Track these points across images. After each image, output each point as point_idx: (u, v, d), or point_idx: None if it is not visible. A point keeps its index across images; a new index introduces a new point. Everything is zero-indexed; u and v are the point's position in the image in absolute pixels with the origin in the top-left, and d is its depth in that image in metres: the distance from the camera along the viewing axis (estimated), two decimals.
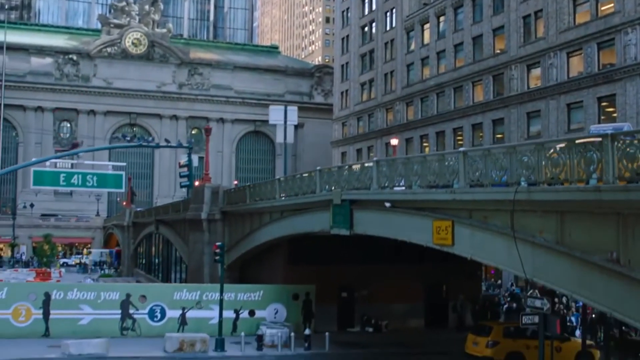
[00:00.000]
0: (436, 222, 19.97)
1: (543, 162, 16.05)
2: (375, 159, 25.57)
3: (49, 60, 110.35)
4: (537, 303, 18.90)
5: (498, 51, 58.09)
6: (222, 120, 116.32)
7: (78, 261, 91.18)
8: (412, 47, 72.50)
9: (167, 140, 35.47)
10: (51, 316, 32.84)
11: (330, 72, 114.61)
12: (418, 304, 40.09)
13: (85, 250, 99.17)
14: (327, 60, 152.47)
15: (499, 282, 55.07)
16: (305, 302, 36.64)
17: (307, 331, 32.30)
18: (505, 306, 41.34)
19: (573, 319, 36.06)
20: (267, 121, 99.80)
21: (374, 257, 37.24)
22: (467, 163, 18.80)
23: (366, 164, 25.51)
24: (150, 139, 67.88)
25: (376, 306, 38.54)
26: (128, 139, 51.59)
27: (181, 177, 29.74)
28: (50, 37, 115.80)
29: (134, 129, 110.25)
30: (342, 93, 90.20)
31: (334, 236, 30.71)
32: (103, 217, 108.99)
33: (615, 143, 13.93)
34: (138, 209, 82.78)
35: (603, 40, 46.71)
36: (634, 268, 13.76)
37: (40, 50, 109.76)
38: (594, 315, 35.59)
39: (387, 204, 22.48)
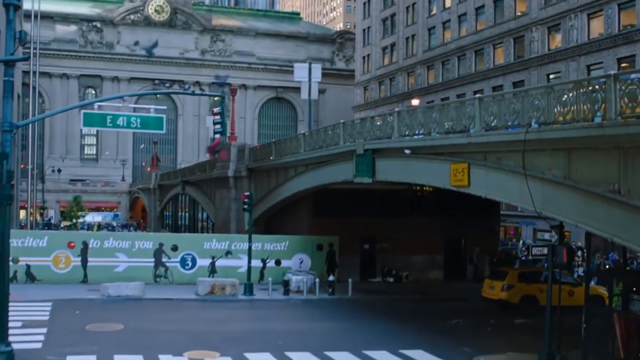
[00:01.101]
0: (453, 165, 21.26)
1: (554, 110, 17.24)
2: (397, 109, 26.84)
3: (73, 27, 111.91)
4: (546, 236, 20.31)
5: (519, 13, 58.51)
6: (244, 87, 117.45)
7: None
8: (434, 10, 72.90)
9: (202, 89, 36.88)
10: (89, 263, 34.72)
11: (351, 38, 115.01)
12: (437, 256, 41.55)
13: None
14: (348, 27, 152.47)
15: (522, 242, 55.88)
16: (329, 253, 38.11)
17: (331, 277, 33.82)
18: (522, 258, 42.50)
19: None
20: (289, 87, 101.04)
21: (395, 211, 38.68)
22: (483, 108, 20.05)
23: (388, 116, 26.81)
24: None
25: (397, 258, 39.96)
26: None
27: (214, 124, 31.18)
28: (75, 5, 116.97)
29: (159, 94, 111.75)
30: (363, 57, 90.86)
31: (356, 190, 32.12)
32: (128, 182, 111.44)
33: (618, 84, 15.15)
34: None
35: (623, 1, 47.11)
36: (633, 197, 15.03)
37: (65, 18, 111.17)
38: (607, 267, 36.96)
39: (407, 151, 23.80)
